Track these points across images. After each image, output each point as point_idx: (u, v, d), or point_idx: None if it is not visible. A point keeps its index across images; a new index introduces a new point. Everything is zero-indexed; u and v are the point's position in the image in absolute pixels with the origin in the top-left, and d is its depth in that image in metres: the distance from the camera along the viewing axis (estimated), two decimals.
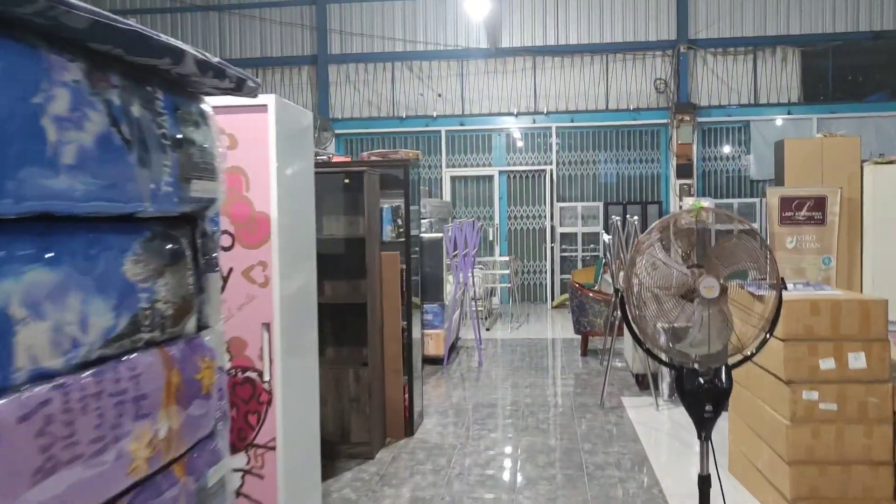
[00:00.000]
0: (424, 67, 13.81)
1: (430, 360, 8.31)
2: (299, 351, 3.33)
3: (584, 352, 8.71)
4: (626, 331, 7.05)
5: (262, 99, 3.01)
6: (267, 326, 3.04)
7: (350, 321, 5.53)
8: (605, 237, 6.86)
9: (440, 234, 8.32)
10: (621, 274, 6.72)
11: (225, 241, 3.07)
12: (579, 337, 8.89)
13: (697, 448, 5.75)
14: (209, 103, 2.17)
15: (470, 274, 9.29)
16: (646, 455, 5.21)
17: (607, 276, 11.55)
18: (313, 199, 3.62)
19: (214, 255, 2.20)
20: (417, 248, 7.25)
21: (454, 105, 13.79)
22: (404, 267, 5.68)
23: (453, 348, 9.16)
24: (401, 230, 5.74)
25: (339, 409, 5.17)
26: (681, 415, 6.16)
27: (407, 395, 5.69)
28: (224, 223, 3.08)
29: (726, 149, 13.37)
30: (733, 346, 3.05)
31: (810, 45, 13.07)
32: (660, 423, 5.97)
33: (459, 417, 6.23)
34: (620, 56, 13.42)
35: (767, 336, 3.02)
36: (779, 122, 13.10)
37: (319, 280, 5.55)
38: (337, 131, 13.38)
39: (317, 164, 5.58)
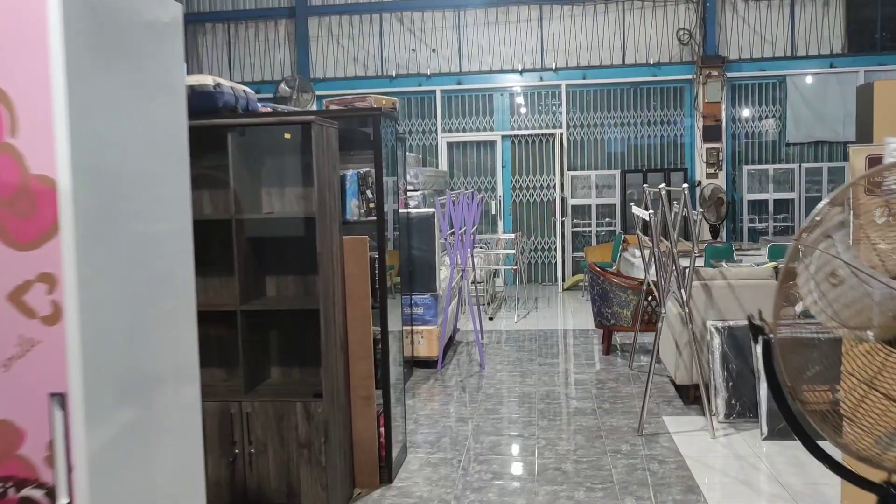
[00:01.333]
0: (416, 19, 12.19)
1: (421, 363, 6.84)
2: (143, 443, 1.81)
3: (608, 349, 7.21)
4: (662, 327, 5.53)
5: None
6: (60, 400, 1.56)
7: (300, 335, 4.03)
8: (642, 213, 5.34)
9: (431, 210, 6.80)
10: (652, 258, 5.14)
11: None
12: (596, 327, 7.40)
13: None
14: None
15: (469, 256, 7.78)
16: None
17: (628, 255, 10.05)
18: (185, 155, 2.09)
19: None
20: (397, 227, 5.77)
21: (450, 62, 12.19)
22: (377, 255, 4.17)
23: (450, 344, 7.68)
24: (371, 205, 4.22)
25: (283, 459, 3.69)
26: (743, 442, 4.69)
27: (382, 429, 4.21)
28: None
29: (759, 108, 11.78)
30: None
31: None
32: (719, 459, 4.49)
33: (455, 450, 4.75)
34: (639, 4, 11.79)
35: None
36: (817, 77, 11.50)
37: (259, 278, 4.07)
38: (318, 93, 11.80)
39: (245, 114, 4.05)
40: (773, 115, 11.75)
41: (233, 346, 3.78)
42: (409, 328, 6.70)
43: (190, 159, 2.15)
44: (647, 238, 6.66)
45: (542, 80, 11.98)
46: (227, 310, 3.72)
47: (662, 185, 4.96)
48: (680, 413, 5.35)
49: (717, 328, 5.23)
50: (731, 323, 5.25)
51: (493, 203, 12.09)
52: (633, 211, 6.20)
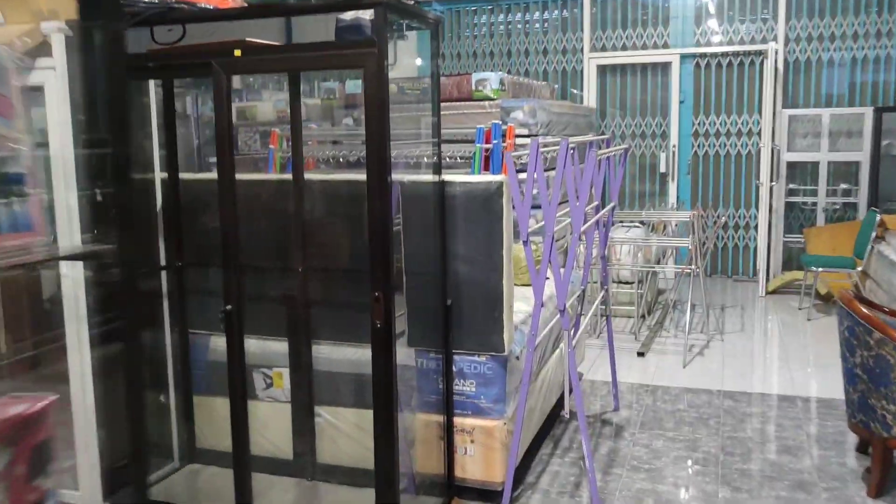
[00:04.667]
0: None
1: (469, 492, 3.36)
2: None
3: (879, 486, 3.36)
4: None
5: None
6: None
7: None
8: None
9: (496, 178, 3.19)
10: None
11: None
12: (851, 429, 3.54)
13: None
14: None
15: (594, 261, 4.14)
16: None
17: (888, 250, 5.91)
18: None
19: None
20: (402, 219, 2.24)
21: None
22: None
23: (550, 425, 4.14)
24: None
25: None
26: None
27: None
28: None
29: None
30: None
31: None
32: None
33: None
34: None
35: None
36: None
37: None
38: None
39: None
40: None
41: None
42: (439, 417, 3.24)
43: None
44: None
45: None
46: None
47: None
48: None
49: None
50: None
51: (662, 157, 8.17)
52: None
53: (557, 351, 4.15)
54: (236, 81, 7.22)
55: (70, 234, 2.93)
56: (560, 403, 4.26)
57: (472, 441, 3.28)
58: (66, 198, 2.95)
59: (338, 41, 2.66)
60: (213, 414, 3.60)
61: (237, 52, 2.59)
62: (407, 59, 7.53)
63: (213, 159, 4.52)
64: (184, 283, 3.46)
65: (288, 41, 6.11)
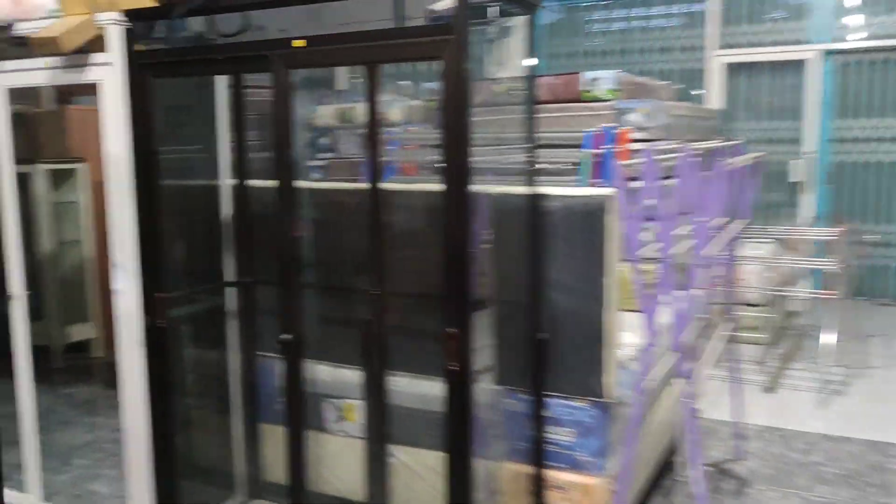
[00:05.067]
0: None
1: None
2: None
3: None
4: None
5: None
6: None
7: None
8: None
9: (601, 192, 2.70)
10: None
11: None
12: None
13: None
14: None
15: (715, 287, 3.59)
16: None
17: None
18: None
19: None
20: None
21: None
22: None
23: (663, 474, 3.60)
24: None
25: None
26: None
27: None
28: None
29: None
30: None
31: None
32: None
33: None
34: None
35: None
36: None
37: None
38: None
39: None
40: None
41: None
42: (528, 469, 2.78)
43: None
44: None
45: None
46: None
47: None
48: None
49: None
50: None
51: (794, 164, 7.37)
52: None
53: (671, 386, 3.60)
54: (342, 82, 6.97)
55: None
56: (673, 447, 3.71)
57: (567, 500, 2.80)
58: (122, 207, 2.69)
59: (411, 28, 2.25)
60: (283, 445, 3.28)
61: (297, 43, 2.23)
62: (516, 60, 7.08)
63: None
64: (252, 301, 3.15)
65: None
